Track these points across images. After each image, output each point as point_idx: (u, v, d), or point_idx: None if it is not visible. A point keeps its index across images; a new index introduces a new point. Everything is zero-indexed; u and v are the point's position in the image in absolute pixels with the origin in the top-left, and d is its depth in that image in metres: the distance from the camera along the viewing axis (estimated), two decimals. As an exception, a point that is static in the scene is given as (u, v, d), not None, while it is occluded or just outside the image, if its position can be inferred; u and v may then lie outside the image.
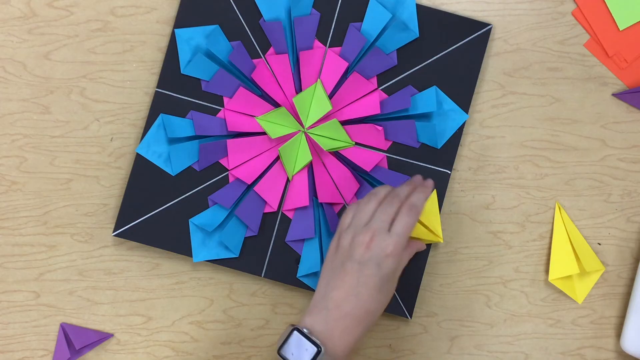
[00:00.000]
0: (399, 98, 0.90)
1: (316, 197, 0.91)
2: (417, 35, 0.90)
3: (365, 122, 0.91)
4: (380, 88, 0.91)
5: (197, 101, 0.91)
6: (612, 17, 0.91)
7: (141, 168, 0.91)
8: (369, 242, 0.77)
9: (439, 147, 0.90)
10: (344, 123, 0.91)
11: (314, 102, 0.89)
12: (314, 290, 0.90)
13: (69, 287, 0.92)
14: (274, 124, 0.90)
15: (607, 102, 0.92)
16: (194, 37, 0.90)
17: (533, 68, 0.91)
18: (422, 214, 0.89)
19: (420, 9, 0.90)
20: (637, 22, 0.91)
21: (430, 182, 0.85)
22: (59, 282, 0.92)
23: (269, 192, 0.90)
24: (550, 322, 0.92)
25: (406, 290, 0.90)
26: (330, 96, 0.91)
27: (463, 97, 0.90)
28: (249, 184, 0.91)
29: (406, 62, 0.91)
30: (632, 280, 0.92)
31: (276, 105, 0.91)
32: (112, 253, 0.92)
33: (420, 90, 0.90)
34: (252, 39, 0.91)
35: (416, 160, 0.90)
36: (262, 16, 0.91)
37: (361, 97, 0.90)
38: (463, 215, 0.92)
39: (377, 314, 0.78)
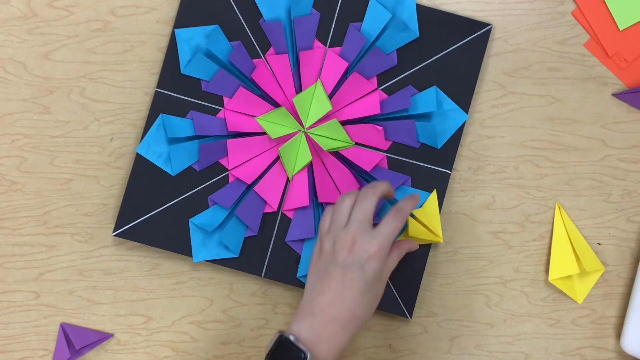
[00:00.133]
0: (399, 98, 0.90)
1: (316, 197, 0.91)
2: (417, 35, 0.90)
3: (365, 122, 0.91)
4: (380, 88, 0.91)
5: (197, 101, 0.91)
6: (612, 17, 0.91)
7: (141, 168, 0.91)
8: (351, 245, 0.77)
9: (439, 147, 0.90)
10: (344, 123, 0.91)
11: (314, 102, 0.89)
12: (314, 290, 0.90)
13: (69, 287, 0.92)
14: (274, 124, 0.90)
15: (607, 102, 0.92)
16: (194, 37, 0.90)
17: (533, 68, 0.91)
18: (422, 214, 0.89)
19: (420, 9, 0.90)
20: (637, 22, 0.91)
21: (417, 195, 0.83)
22: (59, 282, 0.92)
23: (269, 192, 0.90)
24: (550, 322, 0.92)
25: (406, 290, 0.90)
26: (330, 96, 0.91)
27: (463, 97, 0.90)
28: (249, 184, 0.91)
29: (406, 62, 0.91)
30: (632, 280, 0.92)
31: (276, 105, 0.91)
32: (112, 253, 0.92)
33: (420, 90, 0.90)
34: (252, 39, 0.91)
35: (416, 160, 0.90)
36: (262, 16, 0.91)
37: (361, 97, 0.90)
38: (463, 215, 0.92)
39: (364, 317, 0.78)
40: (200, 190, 0.91)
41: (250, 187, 0.91)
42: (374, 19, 0.90)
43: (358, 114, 0.90)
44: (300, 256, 0.90)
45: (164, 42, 0.92)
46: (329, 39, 0.91)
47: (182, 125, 0.91)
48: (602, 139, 0.92)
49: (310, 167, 0.91)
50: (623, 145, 0.91)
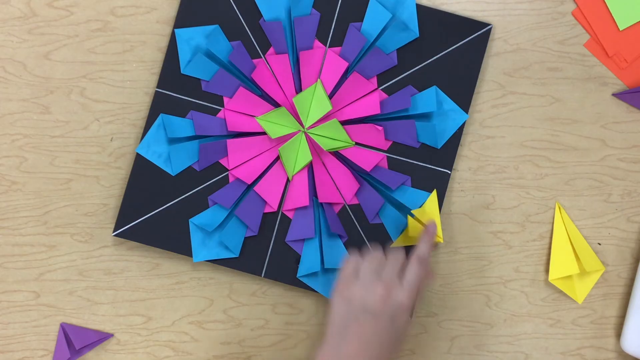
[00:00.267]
0: (399, 98, 0.90)
1: (316, 197, 0.91)
2: (417, 35, 0.90)
3: (365, 122, 0.91)
4: (380, 88, 0.91)
5: (197, 101, 0.91)
6: (612, 17, 0.91)
7: (141, 168, 0.91)
8: (384, 295, 0.77)
9: (439, 147, 0.90)
10: (344, 123, 0.91)
11: (314, 102, 0.89)
12: (314, 290, 0.90)
13: (69, 287, 0.92)
14: (274, 124, 0.90)
15: (607, 102, 0.92)
16: (194, 37, 0.90)
17: (533, 68, 0.91)
18: (422, 214, 0.89)
19: (420, 9, 0.90)
20: (637, 22, 0.91)
21: (432, 226, 0.84)
22: (59, 282, 0.92)
23: (269, 192, 0.90)
24: (550, 322, 0.92)
25: (406, 290, 0.90)
26: (330, 96, 0.91)
27: (463, 97, 0.90)
28: (249, 184, 0.91)
29: (406, 62, 0.91)
30: (632, 280, 0.92)
31: (276, 105, 0.91)
32: (112, 253, 0.92)
33: (420, 90, 0.90)
34: (252, 39, 0.91)
35: (416, 160, 0.90)
36: (262, 16, 0.91)
37: (361, 97, 0.90)
38: (463, 215, 0.92)
39: None
40: (200, 190, 0.91)
41: (250, 187, 0.91)
42: (374, 19, 0.90)
43: (358, 114, 0.90)
44: (300, 256, 0.90)
45: (164, 42, 0.92)
46: (329, 39, 0.91)
47: (182, 125, 0.91)
48: (602, 139, 0.92)
49: (310, 167, 0.91)
50: (623, 145, 0.91)
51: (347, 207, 0.91)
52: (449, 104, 0.90)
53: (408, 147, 0.90)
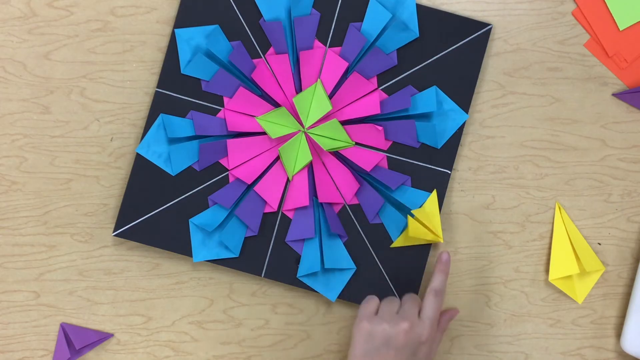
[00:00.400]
0: (399, 98, 0.90)
1: (316, 197, 0.91)
2: (417, 35, 0.90)
3: (365, 122, 0.91)
4: (380, 88, 0.91)
5: (197, 101, 0.91)
6: (612, 17, 0.91)
7: (141, 168, 0.91)
8: (407, 330, 0.79)
9: (439, 147, 0.90)
10: (344, 123, 0.91)
11: (314, 102, 0.89)
12: (314, 290, 0.90)
13: (69, 287, 0.92)
14: (274, 124, 0.90)
15: (607, 102, 0.92)
16: (194, 37, 0.90)
17: (533, 68, 0.91)
18: (422, 214, 0.89)
19: (420, 9, 0.90)
20: (637, 22, 0.91)
21: (445, 257, 0.85)
22: (59, 282, 0.92)
23: (269, 192, 0.90)
24: (550, 322, 0.92)
25: (406, 290, 0.90)
26: (330, 96, 0.91)
27: (463, 97, 0.90)
28: (249, 184, 0.91)
29: (406, 62, 0.91)
30: (632, 280, 0.92)
31: (276, 105, 0.91)
32: (112, 253, 0.92)
33: (420, 90, 0.90)
34: (252, 39, 0.91)
35: (416, 160, 0.90)
36: (262, 16, 0.91)
37: (361, 97, 0.90)
38: (463, 215, 0.92)
39: None
40: (200, 190, 0.91)
41: (250, 187, 0.91)
42: (374, 19, 0.90)
43: (358, 114, 0.90)
44: (300, 256, 0.90)
45: (164, 42, 0.92)
46: (329, 39, 0.91)
47: (182, 125, 0.91)
48: (602, 139, 0.92)
49: (310, 167, 0.91)
50: (623, 145, 0.91)
51: (347, 207, 0.91)
52: (449, 104, 0.90)
53: (408, 147, 0.90)
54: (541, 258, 0.92)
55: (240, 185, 0.91)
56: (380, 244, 0.90)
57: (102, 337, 0.92)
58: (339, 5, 0.91)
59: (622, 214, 0.92)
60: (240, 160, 0.91)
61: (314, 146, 0.91)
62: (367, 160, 0.90)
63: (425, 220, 0.89)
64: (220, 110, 0.91)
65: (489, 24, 0.90)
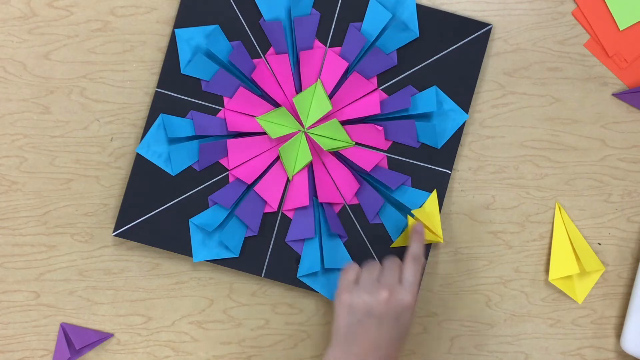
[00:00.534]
0: (399, 98, 0.90)
1: (316, 197, 0.91)
2: (417, 35, 0.90)
3: (365, 122, 0.91)
4: (380, 88, 0.91)
5: (197, 101, 0.91)
6: (612, 17, 0.91)
7: (141, 168, 0.91)
8: (387, 298, 0.79)
9: (439, 147, 0.90)
10: (344, 123, 0.91)
11: (314, 102, 0.89)
12: (314, 290, 0.90)
13: (69, 287, 0.92)
14: (274, 124, 0.90)
15: (607, 102, 0.92)
16: (194, 37, 0.90)
17: (533, 68, 0.91)
18: (422, 214, 0.89)
19: (420, 9, 0.90)
20: (637, 22, 0.91)
21: (419, 227, 0.87)
22: (59, 282, 0.92)
23: (269, 192, 0.90)
24: (550, 322, 0.92)
25: (406, 290, 0.90)
26: (330, 96, 0.91)
27: (463, 97, 0.90)
28: (249, 184, 0.91)
29: (406, 62, 0.91)
30: (632, 280, 0.92)
31: (276, 105, 0.91)
32: (112, 253, 0.92)
33: (420, 90, 0.90)
34: (252, 39, 0.91)
35: (416, 160, 0.90)
36: (262, 16, 0.91)
37: (361, 97, 0.90)
38: (463, 215, 0.92)
39: (398, 357, 0.81)
40: (200, 190, 0.91)
41: (250, 187, 0.91)
42: (374, 19, 0.90)
43: (358, 114, 0.90)
44: (300, 256, 0.90)
45: (164, 42, 0.92)
46: (329, 39, 0.91)
47: (182, 125, 0.91)
48: (602, 139, 0.92)
49: (310, 167, 0.91)
50: (623, 145, 0.91)
51: (347, 207, 0.91)
52: (449, 104, 0.90)
53: (408, 147, 0.90)
54: (541, 258, 0.92)
55: (240, 185, 0.91)
56: (380, 244, 0.90)
57: (102, 337, 0.92)
58: (339, 5, 0.91)
59: (622, 214, 0.92)
60: (240, 160, 0.91)
61: (314, 146, 0.91)
62: (367, 160, 0.90)
63: (425, 220, 0.89)
64: (220, 110, 0.91)
65: (489, 24, 0.90)
